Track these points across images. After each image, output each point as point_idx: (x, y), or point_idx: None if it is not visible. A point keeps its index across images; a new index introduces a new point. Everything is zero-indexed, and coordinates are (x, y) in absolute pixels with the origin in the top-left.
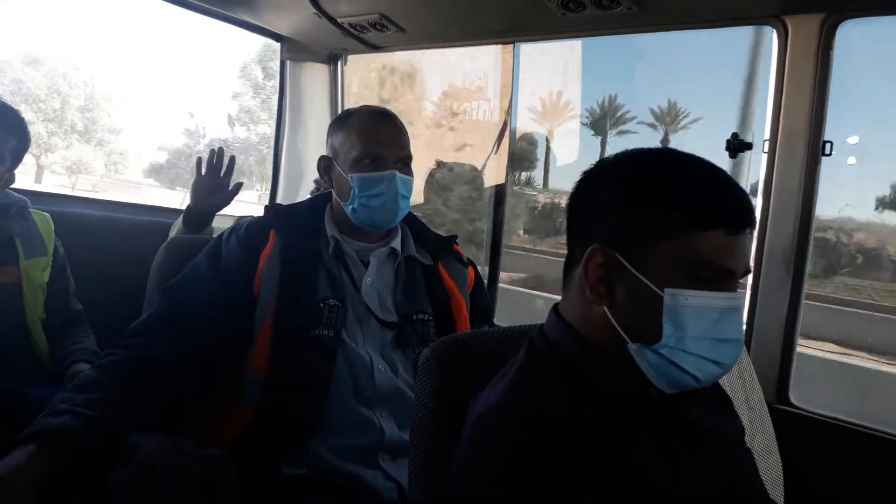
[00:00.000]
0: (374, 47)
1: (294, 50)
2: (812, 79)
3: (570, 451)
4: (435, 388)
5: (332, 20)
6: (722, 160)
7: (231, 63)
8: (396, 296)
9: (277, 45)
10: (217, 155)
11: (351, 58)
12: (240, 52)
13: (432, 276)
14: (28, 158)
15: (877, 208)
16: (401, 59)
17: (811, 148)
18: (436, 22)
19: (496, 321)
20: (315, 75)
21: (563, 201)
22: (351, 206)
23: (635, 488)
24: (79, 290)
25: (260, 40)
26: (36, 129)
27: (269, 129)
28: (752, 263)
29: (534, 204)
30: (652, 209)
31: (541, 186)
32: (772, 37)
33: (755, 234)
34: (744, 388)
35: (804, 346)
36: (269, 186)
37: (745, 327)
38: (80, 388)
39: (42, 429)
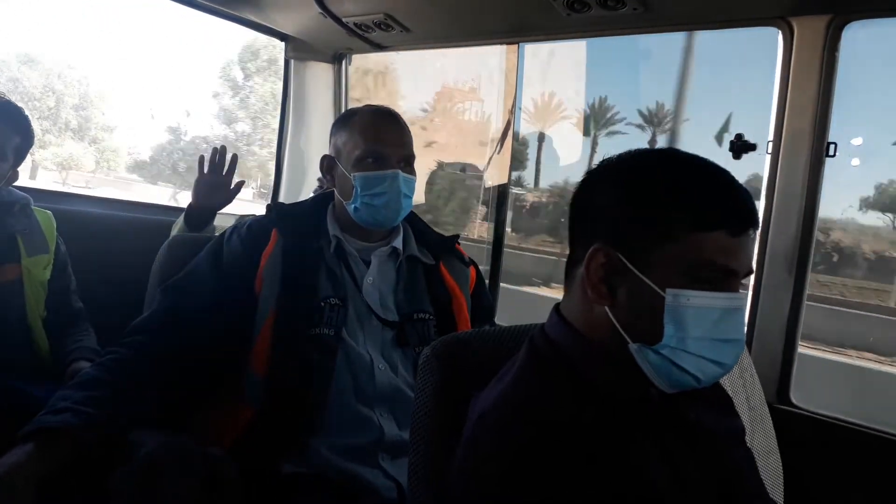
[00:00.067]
0: (379, 47)
1: (298, 49)
2: (817, 80)
3: (570, 450)
4: (435, 387)
5: (336, 20)
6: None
7: (212, 64)
8: (397, 295)
9: (258, 46)
10: (219, 153)
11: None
12: (221, 53)
13: (434, 276)
14: None
15: (860, 209)
16: (375, 59)
17: (815, 149)
18: (441, 22)
19: (497, 321)
20: (319, 74)
21: (554, 199)
22: (353, 206)
23: (635, 488)
24: (80, 288)
25: (240, 42)
26: None
27: (246, 128)
28: (754, 263)
29: (522, 202)
30: (653, 210)
31: (530, 185)
32: (777, 38)
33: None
34: (744, 388)
35: None
36: (248, 182)
37: (746, 327)
38: (80, 386)
39: (42, 427)
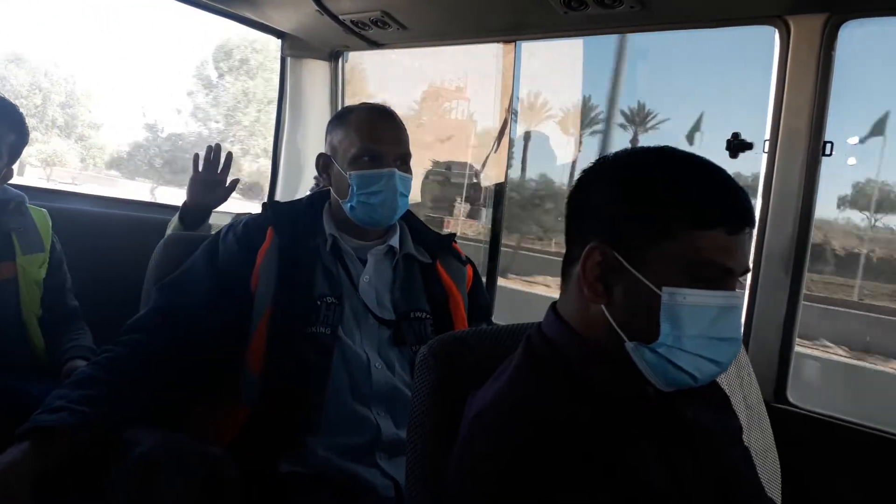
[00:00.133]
0: (376, 44)
1: (295, 47)
2: (814, 79)
3: (567, 449)
4: (433, 385)
5: (333, 17)
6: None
7: (187, 63)
8: (394, 294)
9: (230, 46)
10: (214, 152)
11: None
12: (195, 52)
13: (430, 275)
14: None
15: (839, 206)
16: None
17: (811, 148)
18: (437, 19)
19: (494, 319)
20: (316, 72)
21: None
22: (349, 204)
23: (632, 487)
24: (76, 286)
25: (214, 42)
26: None
27: (219, 126)
28: (750, 262)
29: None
30: (650, 208)
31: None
32: (774, 37)
33: (754, 233)
34: (742, 387)
35: None
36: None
37: (743, 326)
38: (76, 385)
39: (38, 425)
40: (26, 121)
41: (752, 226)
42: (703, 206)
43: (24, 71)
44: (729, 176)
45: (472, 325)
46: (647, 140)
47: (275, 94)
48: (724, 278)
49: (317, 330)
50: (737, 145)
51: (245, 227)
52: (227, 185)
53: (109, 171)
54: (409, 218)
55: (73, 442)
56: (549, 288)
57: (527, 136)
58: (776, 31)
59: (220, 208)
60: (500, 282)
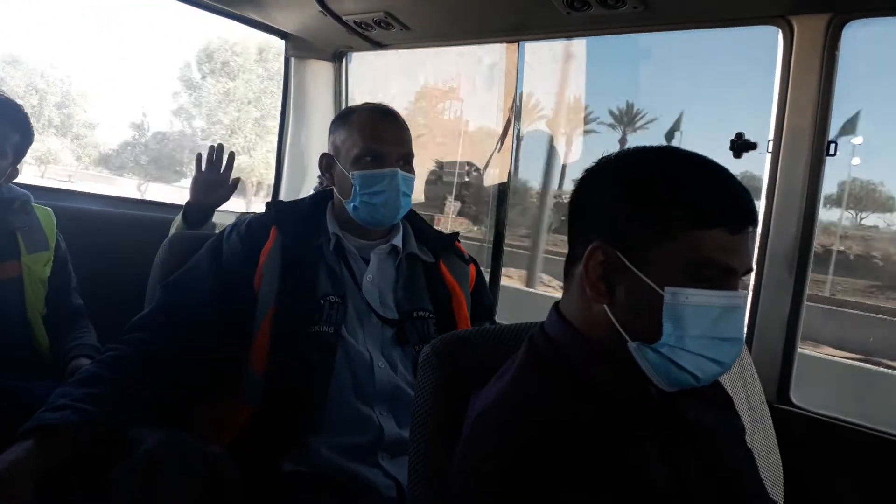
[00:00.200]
0: (379, 45)
1: (298, 47)
2: (817, 79)
3: (570, 448)
4: (436, 385)
5: (337, 18)
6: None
7: (171, 65)
8: (397, 293)
9: (212, 49)
10: (217, 151)
11: None
12: (179, 55)
13: (433, 274)
14: None
15: (824, 205)
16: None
17: (815, 148)
18: (441, 20)
19: (498, 319)
20: (319, 73)
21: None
22: (352, 204)
23: (634, 487)
24: (80, 284)
25: (197, 45)
26: None
27: (202, 124)
28: (754, 262)
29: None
30: (651, 207)
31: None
32: (777, 37)
33: (758, 233)
34: (745, 388)
35: None
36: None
37: (746, 326)
38: (80, 383)
39: (41, 423)
40: (31, 121)
41: (755, 225)
42: (703, 205)
43: (20, 72)
44: (731, 175)
45: (476, 324)
46: (637, 140)
47: (253, 95)
48: (727, 278)
49: (320, 329)
50: (741, 145)
51: (248, 226)
52: (229, 184)
53: (97, 169)
54: (413, 217)
55: (76, 440)
56: (510, 279)
57: (519, 136)
58: (780, 31)
59: (224, 207)
60: None
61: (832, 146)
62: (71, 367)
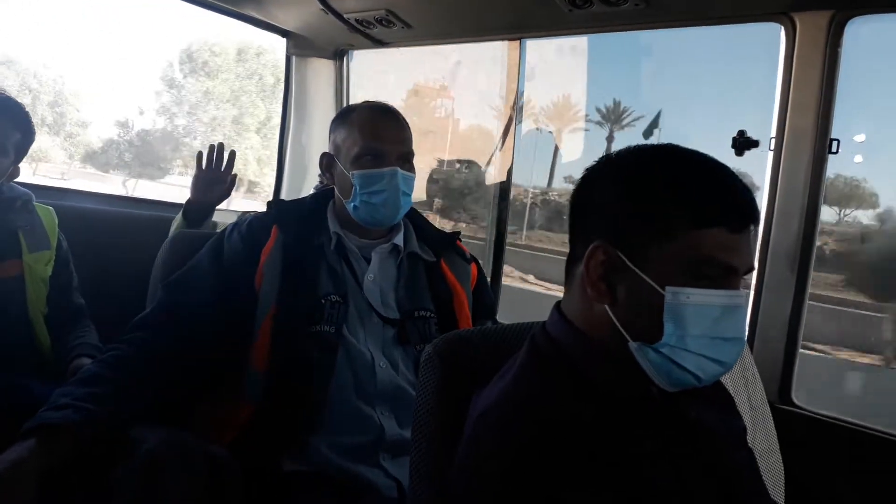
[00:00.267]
0: (380, 43)
1: (300, 45)
2: (820, 76)
3: (571, 448)
4: (437, 384)
5: (338, 16)
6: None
7: (153, 64)
8: (398, 292)
9: (193, 50)
10: (217, 151)
11: None
12: (161, 54)
13: (435, 273)
14: None
15: None
16: None
17: (818, 146)
18: (442, 18)
19: (499, 318)
20: (320, 71)
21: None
22: (353, 204)
23: (635, 486)
24: (82, 284)
25: (180, 44)
26: None
27: (184, 122)
28: (755, 262)
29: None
30: (652, 205)
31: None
32: (779, 34)
33: (760, 232)
34: (746, 388)
35: None
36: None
37: (748, 326)
38: (81, 383)
39: (43, 423)
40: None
41: (756, 224)
42: (704, 203)
43: (13, 72)
44: (732, 173)
45: (477, 323)
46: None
47: (231, 94)
48: (728, 277)
49: (321, 328)
50: (742, 143)
51: (250, 225)
52: (228, 182)
53: (85, 166)
54: (414, 216)
55: (77, 439)
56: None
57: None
58: (782, 27)
59: (225, 206)
60: None
61: (834, 144)
62: (72, 367)
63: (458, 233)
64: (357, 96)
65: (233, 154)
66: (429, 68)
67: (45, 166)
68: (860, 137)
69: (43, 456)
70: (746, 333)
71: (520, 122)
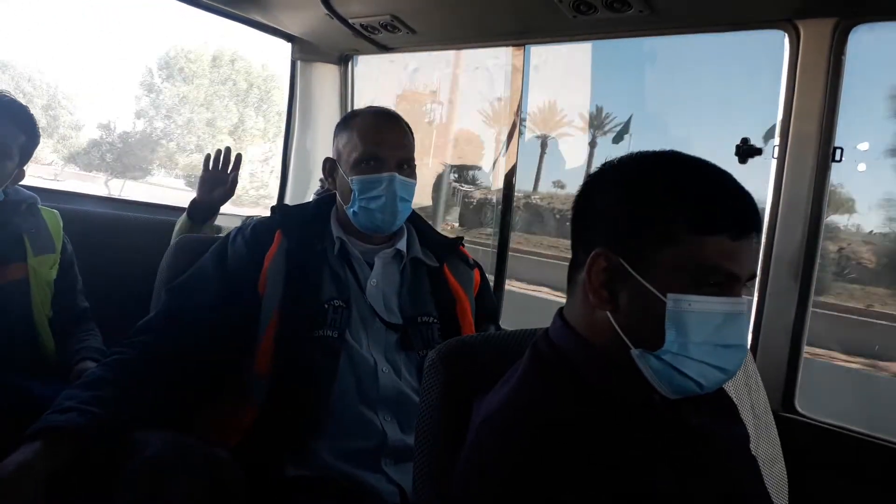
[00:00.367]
0: (385, 48)
1: (305, 50)
2: (823, 84)
3: (573, 452)
4: (441, 390)
5: (343, 21)
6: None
7: (135, 69)
8: (401, 298)
9: (170, 56)
10: (224, 153)
11: None
12: (141, 59)
13: (437, 279)
14: None
15: None
16: None
17: (821, 153)
18: (447, 24)
19: (502, 324)
20: (325, 76)
21: (495, 196)
22: (352, 209)
23: (636, 490)
24: (86, 287)
25: (157, 52)
26: None
27: (161, 125)
28: (759, 269)
29: (469, 199)
30: (653, 211)
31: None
32: (783, 41)
33: (763, 239)
34: (749, 395)
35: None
36: (173, 173)
37: (751, 333)
38: (86, 386)
39: (48, 426)
40: (37, 122)
41: (758, 231)
42: (706, 211)
43: (8, 76)
44: (735, 181)
45: (480, 328)
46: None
47: (205, 99)
48: (730, 284)
49: (324, 333)
50: (746, 150)
51: (253, 230)
52: (230, 183)
53: (66, 165)
54: (417, 221)
55: (82, 442)
56: None
57: (498, 140)
58: (786, 35)
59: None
60: None
61: (838, 151)
62: (77, 370)
63: (461, 238)
64: (362, 101)
65: (239, 157)
66: (418, 73)
67: (35, 168)
68: (864, 146)
69: (48, 458)
70: (750, 341)
71: (524, 128)
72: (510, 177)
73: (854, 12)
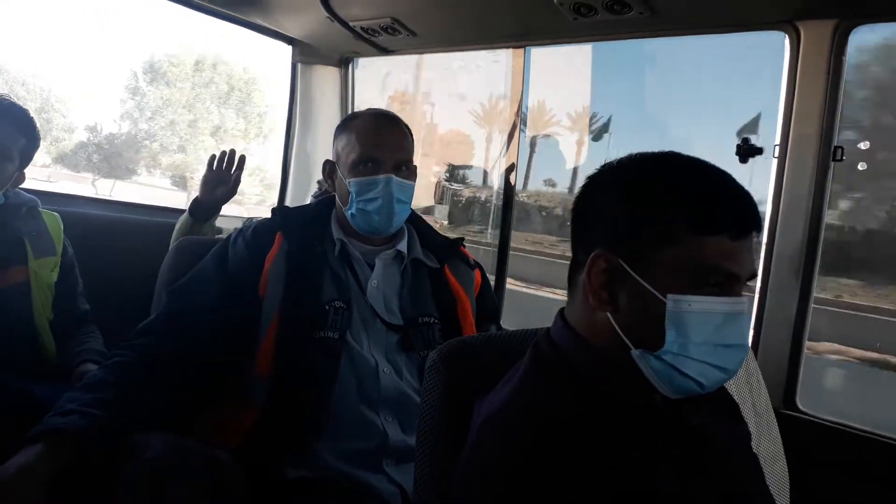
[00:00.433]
0: (385, 51)
1: (305, 53)
2: (824, 84)
3: (574, 452)
4: (442, 390)
5: (343, 24)
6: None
7: (120, 73)
8: (402, 299)
9: (154, 60)
10: (228, 154)
11: None
12: (126, 63)
13: (438, 279)
14: None
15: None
16: None
17: (822, 153)
18: (447, 26)
19: (503, 324)
20: (326, 78)
21: (483, 195)
22: (350, 211)
23: (639, 493)
24: (87, 289)
25: (147, 53)
26: None
27: (146, 126)
28: (760, 268)
29: (458, 198)
30: (652, 211)
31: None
32: (784, 42)
33: (764, 238)
34: (751, 394)
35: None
36: (158, 173)
37: (752, 332)
38: (87, 388)
39: (49, 428)
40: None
41: (758, 231)
42: (705, 211)
43: (2, 80)
44: (734, 181)
45: (480, 328)
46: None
47: (187, 101)
48: (730, 284)
49: (325, 334)
50: (746, 150)
51: (254, 232)
52: (232, 183)
53: (55, 167)
54: (417, 222)
55: (83, 444)
56: None
57: (489, 139)
58: (786, 36)
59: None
60: None
61: (839, 151)
62: (78, 372)
63: (462, 239)
64: (362, 104)
65: (243, 158)
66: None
67: (31, 170)
68: (864, 145)
69: (50, 461)
70: (751, 339)
71: (524, 130)
72: (510, 176)
73: (854, 13)
